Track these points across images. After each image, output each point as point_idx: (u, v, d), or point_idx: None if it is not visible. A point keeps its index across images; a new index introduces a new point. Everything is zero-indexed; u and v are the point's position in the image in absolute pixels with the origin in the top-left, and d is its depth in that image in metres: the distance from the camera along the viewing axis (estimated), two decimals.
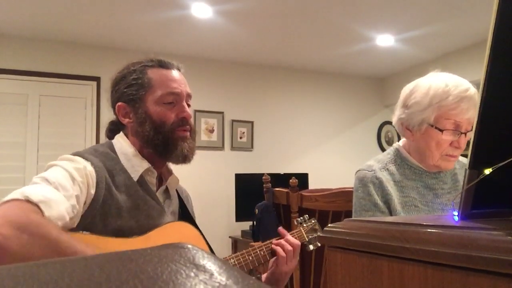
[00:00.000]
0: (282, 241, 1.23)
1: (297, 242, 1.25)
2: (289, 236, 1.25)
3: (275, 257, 1.23)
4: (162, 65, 1.14)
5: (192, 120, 1.16)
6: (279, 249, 1.21)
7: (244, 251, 1.20)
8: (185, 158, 1.11)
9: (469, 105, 1.18)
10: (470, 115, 1.19)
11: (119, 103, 1.11)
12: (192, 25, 3.51)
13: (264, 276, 1.26)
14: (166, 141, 1.08)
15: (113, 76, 1.16)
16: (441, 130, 1.20)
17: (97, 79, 3.88)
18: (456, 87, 1.19)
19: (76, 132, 3.82)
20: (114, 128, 1.17)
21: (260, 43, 4.01)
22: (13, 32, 3.59)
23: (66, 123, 3.79)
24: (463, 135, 1.22)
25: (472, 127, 1.19)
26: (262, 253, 1.20)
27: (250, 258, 1.18)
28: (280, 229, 1.28)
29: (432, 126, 1.22)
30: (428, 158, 1.26)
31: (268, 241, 1.23)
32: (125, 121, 1.12)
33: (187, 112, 1.11)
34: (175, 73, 1.14)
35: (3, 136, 3.57)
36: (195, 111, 4.23)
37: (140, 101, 1.09)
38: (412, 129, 1.27)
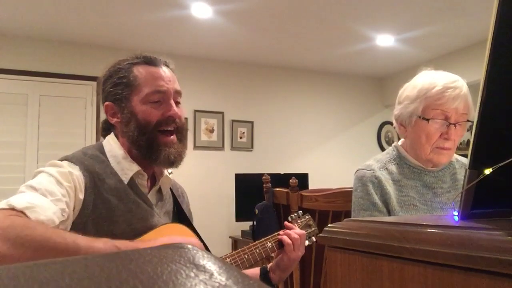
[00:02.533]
0: (287, 231, 1.27)
1: (302, 231, 1.28)
2: (295, 228, 1.29)
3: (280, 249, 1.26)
4: (148, 62, 1.09)
5: (183, 119, 1.11)
6: (285, 237, 1.24)
7: (251, 245, 1.22)
8: (171, 164, 1.08)
9: (455, 94, 1.19)
10: (457, 104, 1.20)
11: (107, 103, 1.09)
12: (192, 25, 3.50)
13: (270, 265, 1.28)
14: (150, 144, 1.05)
15: (101, 75, 1.13)
16: (428, 120, 1.22)
17: (96, 79, 3.87)
18: (443, 79, 1.22)
19: (76, 132, 3.82)
20: (107, 127, 1.15)
21: (260, 43, 4.01)
22: (13, 32, 3.59)
23: (66, 123, 3.79)
24: (452, 126, 1.22)
25: (464, 118, 1.22)
26: (269, 244, 1.23)
27: (257, 250, 1.20)
28: (286, 223, 1.32)
29: (420, 117, 1.23)
30: (420, 152, 1.27)
31: (275, 234, 1.27)
32: (113, 120, 1.09)
33: (173, 110, 1.06)
34: (162, 70, 1.09)
35: (3, 136, 3.57)
36: (195, 111, 4.22)
37: (126, 101, 1.06)
38: (405, 124, 1.30)
